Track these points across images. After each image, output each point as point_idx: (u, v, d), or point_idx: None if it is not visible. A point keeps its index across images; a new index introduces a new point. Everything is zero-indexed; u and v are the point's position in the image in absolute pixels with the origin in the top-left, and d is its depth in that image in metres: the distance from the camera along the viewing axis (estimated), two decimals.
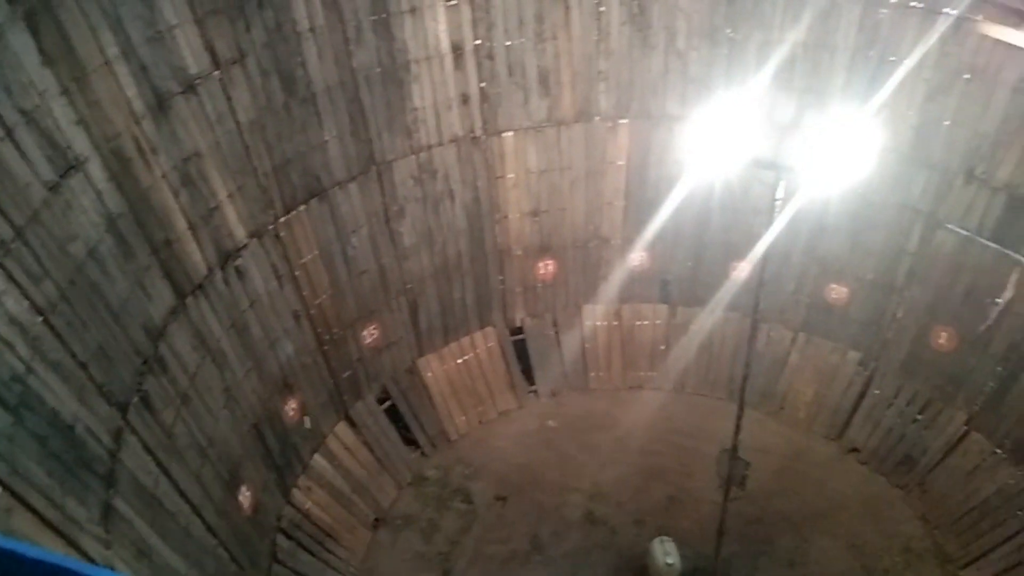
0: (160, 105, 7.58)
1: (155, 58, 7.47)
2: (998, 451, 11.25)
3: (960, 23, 9.93)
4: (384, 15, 9.89)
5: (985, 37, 9.81)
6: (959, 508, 11.42)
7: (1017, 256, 10.44)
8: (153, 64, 7.45)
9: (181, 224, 8.14)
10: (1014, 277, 10.55)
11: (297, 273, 10.27)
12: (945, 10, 9.94)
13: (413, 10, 10.11)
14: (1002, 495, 11.02)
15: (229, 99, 8.45)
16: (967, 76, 10.16)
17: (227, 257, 8.98)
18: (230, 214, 8.91)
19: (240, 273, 9.24)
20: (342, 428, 11.98)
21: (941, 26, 10.06)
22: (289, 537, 10.52)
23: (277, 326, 10.10)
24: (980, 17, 9.78)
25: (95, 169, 6.76)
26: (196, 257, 8.46)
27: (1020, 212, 10.26)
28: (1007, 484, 11.03)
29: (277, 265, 9.89)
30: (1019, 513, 10.75)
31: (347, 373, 11.79)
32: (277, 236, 9.78)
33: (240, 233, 9.15)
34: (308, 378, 10.97)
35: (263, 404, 10.04)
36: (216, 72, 8.21)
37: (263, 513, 9.96)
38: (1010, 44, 9.63)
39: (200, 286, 8.52)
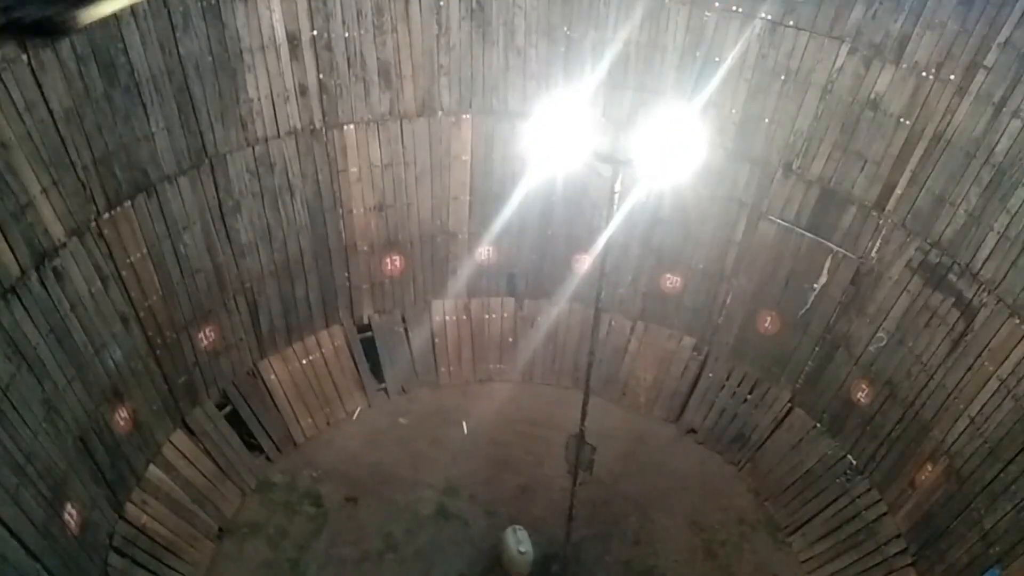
0: None
1: None
2: (818, 425, 12.22)
3: (775, 27, 10.67)
4: (214, 1, 9.42)
5: (797, 41, 10.59)
6: (786, 480, 12.30)
7: (830, 244, 11.37)
8: None
9: None
10: (827, 264, 11.48)
11: (124, 273, 9.62)
12: (762, 15, 10.64)
13: None
14: (823, 464, 11.99)
15: (40, 86, 7.77)
16: (783, 77, 10.94)
17: (43, 257, 8.27)
18: (45, 210, 8.21)
19: (58, 274, 8.54)
20: (179, 436, 11.34)
21: (759, 30, 10.77)
22: (123, 555, 9.85)
23: (103, 330, 9.42)
24: (792, 23, 10.54)
25: None
26: (6, 257, 7.74)
27: (831, 204, 11.17)
28: (826, 455, 12.00)
29: (101, 265, 9.21)
30: (837, 480, 11.72)
31: (183, 378, 11.18)
32: (100, 234, 9.11)
33: (57, 231, 8.45)
34: (140, 385, 10.31)
35: (89, 415, 9.34)
36: (23, 56, 7.53)
37: (93, 531, 9.28)
38: (819, 48, 10.45)
39: (12, 289, 7.80)
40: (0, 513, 7.24)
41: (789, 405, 12.60)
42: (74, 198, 8.66)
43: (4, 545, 7.22)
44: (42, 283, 8.33)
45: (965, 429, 9.82)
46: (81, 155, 8.58)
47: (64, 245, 8.61)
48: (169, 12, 9.02)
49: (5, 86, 7.38)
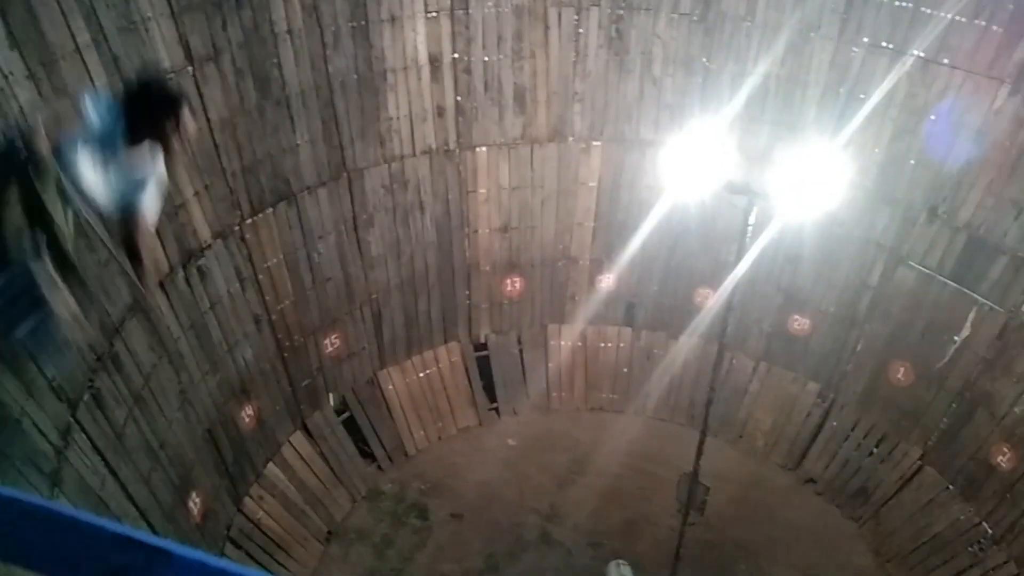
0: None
1: (127, 49, 7.32)
2: (951, 487, 11.40)
3: (927, 65, 10.17)
4: (363, 22, 9.85)
5: (951, 80, 10.06)
6: (911, 542, 11.53)
7: (975, 295, 10.64)
8: (125, 55, 7.30)
9: None
10: (971, 316, 10.75)
11: (260, 277, 10.11)
12: (913, 51, 10.17)
13: (393, 19, 10.09)
14: (954, 530, 11.16)
15: (201, 96, 8.32)
16: (933, 117, 10.39)
17: (190, 256, 8.81)
18: (196, 212, 8.75)
19: (202, 273, 9.06)
20: (298, 438, 11.76)
21: (909, 67, 10.29)
22: (239, 547, 10.27)
23: (237, 330, 9.91)
24: (946, 61, 10.02)
25: None
26: (158, 254, 8.27)
27: (979, 252, 10.48)
28: (959, 520, 11.17)
29: (241, 268, 9.72)
30: (970, 548, 10.90)
31: (306, 382, 11.60)
32: (242, 238, 9.62)
33: (205, 232, 8.98)
34: (266, 385, 10.77)
35: (218, 409, 9.82)
36: (189, 68, 8.08)
37: (213, 521, 9.71)
38: (976, 87, 9.88)
39: (161, 284, 8.33)
40: (133, 494, 7.66)
41: (919, 463, 11.82)
42: (222, 203, 9.19)
43: (135, 525, 7.64)
44: (187, 281, 8.86)
45: None
46: (232, 162, 9.11)
47: (209, 246, 9.13)
48: (322, 31, 9.50)
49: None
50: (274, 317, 10.54)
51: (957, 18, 9.74)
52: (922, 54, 10.17)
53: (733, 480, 12.54)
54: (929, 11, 9.86)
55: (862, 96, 10.75)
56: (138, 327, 8.02)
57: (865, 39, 10.47)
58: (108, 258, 7.35)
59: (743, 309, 12.44)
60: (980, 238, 10.43)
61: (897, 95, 10.54)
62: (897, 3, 10.09)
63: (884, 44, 10.39)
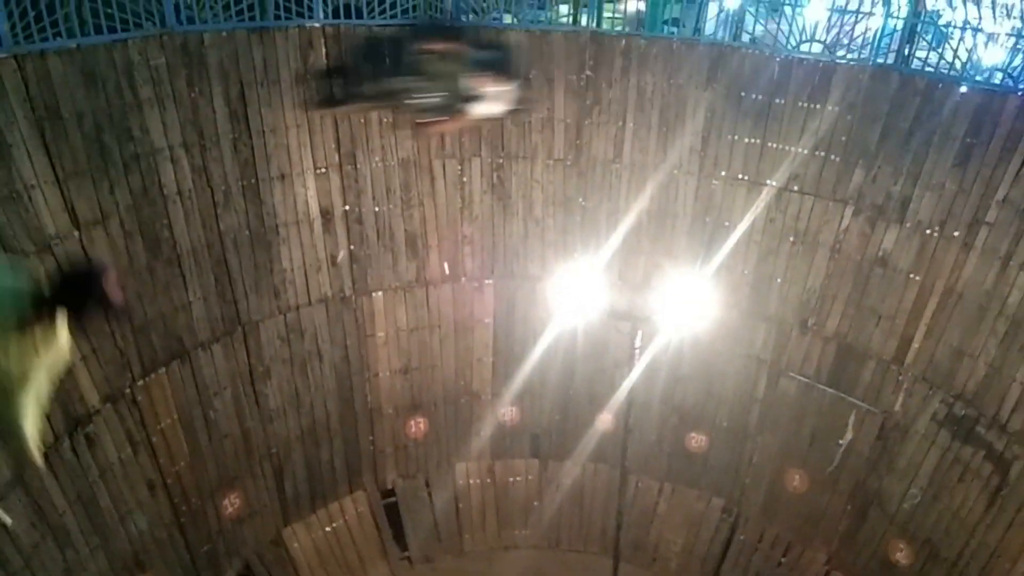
0: (11, 265, 7.37)
1: (9, 217, 7.35)
2: None
3: (780, 193, 11.22)
4: (253, 180, 10.15)
5: (802, 205, 11.10)
6: None
7: (852, 399, 11.35)
8: (7, 223, 7.32)
9: None
10: (852, 419, 11.41)
11: (154, 439, 9.78)
12: (767, 182, 11.21)
13: (283, 176, 10.45)
14: None
15: (88, 260, 8.30)
16: (792, 238, 11.36)
17: (77, 424, 8.50)
18: (83, 378, 8.52)
19: (90, 441, 8.72)
20: None
21: (764, 196, 11.31)
22: None
23: (130, 497, 9.46)
24: (796, 188, 11.08)
25: None
26: (40, 425, 7.96)
27: (850, 359, 11.26)
28: None
29: (132, 431, 9.40)
30: None
31: (206, 547, 11.03)
32: (134, 400, 9.37)
33: (93, 398, 8.73)
34: (162, 554, 10.19)
35: None
36: (75, 232, 8.12)
37: None
38: (825, 210, 10.92)
39: (45, 455, 7.97)
40: None
41: (826, 568, 12.11)
42: (111, 365, 8.99)
43: None
44: (73, 450, 8.51)
45: None
46: (121, 324, 8.99)
47: (98, 412, 8.85)
48: (212, 191, 9.74)
49: (55, 258, 7.91)
50: (169, 481, 10.13)
51: (800, 151, 10.88)
52: (774, 184, 11.22)
53: None
54: (774, 147, 10.98)
55: (727, 224, 11.69)
56: (17, 503, 7.62)
57: (723, 173, 11.49)
58: None
59: (642, 431, 12.80)
60: (848, 345, 11.24)
61: (758, 221, 11.51)
62: (746, 141, 11.21)
63: (740, 176, 11.42)
